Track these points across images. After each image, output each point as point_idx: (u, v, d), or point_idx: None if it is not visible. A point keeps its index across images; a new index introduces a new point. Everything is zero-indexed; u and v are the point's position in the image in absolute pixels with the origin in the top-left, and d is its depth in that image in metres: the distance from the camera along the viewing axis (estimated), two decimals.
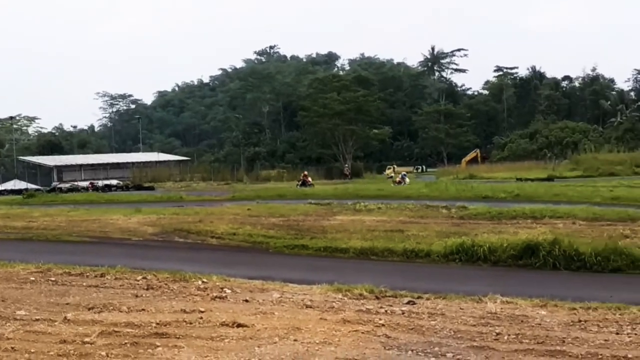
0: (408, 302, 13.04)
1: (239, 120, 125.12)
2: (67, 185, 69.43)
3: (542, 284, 15.95)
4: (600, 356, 9.80)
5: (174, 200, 44.29)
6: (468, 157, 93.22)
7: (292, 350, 9.82)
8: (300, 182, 59.02)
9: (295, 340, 10.34)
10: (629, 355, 9.73)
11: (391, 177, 66.62)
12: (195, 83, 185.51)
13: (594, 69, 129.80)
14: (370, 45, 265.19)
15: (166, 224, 28.92)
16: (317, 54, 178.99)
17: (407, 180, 56.74)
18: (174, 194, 49.98)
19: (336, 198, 39.53)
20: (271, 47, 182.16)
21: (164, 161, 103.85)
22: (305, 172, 62.87)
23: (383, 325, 11.31)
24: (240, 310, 12.28)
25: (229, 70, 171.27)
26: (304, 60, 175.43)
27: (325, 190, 47.62)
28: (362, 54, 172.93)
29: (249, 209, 33.28)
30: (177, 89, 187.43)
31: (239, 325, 11.14)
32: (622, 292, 14.39)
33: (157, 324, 11.23)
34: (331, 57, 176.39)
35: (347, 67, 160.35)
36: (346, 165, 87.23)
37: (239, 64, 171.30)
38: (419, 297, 13.49)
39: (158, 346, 9.96)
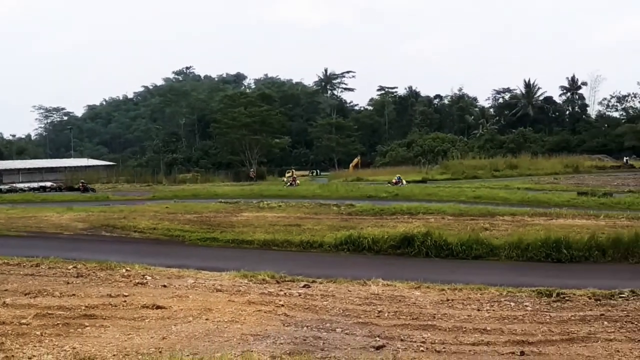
0: (304, 286, 13.39)
1: (159, 131, 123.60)
2: (6, 187, 66.92)
3: (416, 270, 16.39)
4: (464, 329, 10.33)
5: (101, 200, 43.12)
6: (353, 163, 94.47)
7: (204, 328, 10.05)
8: (289, 183, 57.56)
9: (207, 319, 10.61)
10: (488, 328, 10.31)
11: (285, 180, 66.22)
12: (121, 98, 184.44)
13: (460, 89, 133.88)
14: (273, 67, 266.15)
15: (94, 220, 28.23)
16: (227, 74, 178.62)
17: (404, 182, 54.38)
18: (101, 194, 48.77)
19: (243, 197, 39.67)
20: (187, 68, 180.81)
21: (93, 166, 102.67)
22: (293, 170, 60.84)
23: (282, 305, 11.64)
24: (159, 294, 12.45)
25: (150, 87, 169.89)
26: (216, 79, 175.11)
27: (234, 190, 47.37)
28: (266, 75, 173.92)
29: (167, 207, 32.82)
30: (104, 103, 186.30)
31: (158, 307, 11.35)
32: (482, 275, 14.84)
33: (86, 307, 11.31)
34: (239, 77, 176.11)
35: (253, 86, 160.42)
36: (252, 169, 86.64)
37: (159, 82, 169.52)
38: (313, 281, 13.87)
39: (87, 326, 10.10)
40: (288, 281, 13.97)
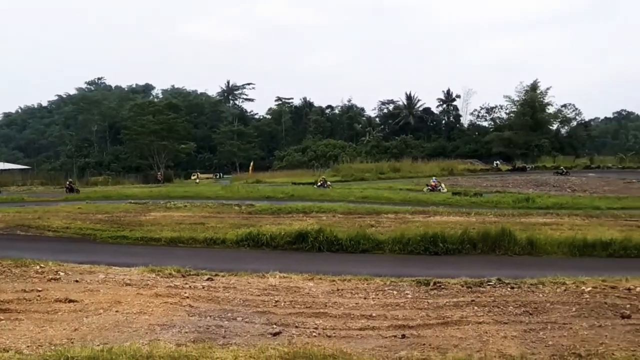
0: (207, 279, 13.24)
1: (72, 137, 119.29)
2: None
3: (310, 263, 16.52)
4: (352, 316, 10.46)
5: (16, 201, 41.07)
6: (251, 167, 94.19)
7: (114, 320, 9.84)
8: (319, 184, 55.29)
9: (116, 311, 10.38)
10: (373, 314, 10.46)
11: (197, 181, 64.63)
12: (36, 106, 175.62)
13: (349, 100, 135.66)
14: (179, 79, 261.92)
15: (10, 220, 26.93)
16: (136, 84, 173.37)
17: (443, 188, 46.57)
18: (16, 196, 46.46)
19: (151, 198, 38.65)
20: (99, 78, 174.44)
21: (8, 169, 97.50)
22: (324, 177, 58.51)
23: (187, 297, 11.49)
24: (71, 289, 12.09)
25: (64, 96, 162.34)
26: (126, 89, 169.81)
27: (143, 192, 46.10)
28: (173, 85, 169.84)
29: (79, 208, 31.62)
30: (20, 110, 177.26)
31: (71, 301, 11.03)
32: (369, 267, 15.05)
33: (1, 301, 10.86)
34: (148, 88, 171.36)
35: (161, 96, 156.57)
36: (159, 172, 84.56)
37: (73, 92, 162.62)
38: (216, 275, 13.71)
39: (1, 320, 9.71)
40: (193, 275, 13.77)
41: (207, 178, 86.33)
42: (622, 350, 8.26)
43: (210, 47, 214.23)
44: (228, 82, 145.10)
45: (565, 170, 67.80)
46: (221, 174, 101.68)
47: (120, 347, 7.93)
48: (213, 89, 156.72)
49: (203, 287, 12.46)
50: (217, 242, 20.97)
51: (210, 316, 10.20)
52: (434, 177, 52.48)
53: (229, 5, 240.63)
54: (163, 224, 25.07)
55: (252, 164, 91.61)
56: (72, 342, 8.51)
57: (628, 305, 10.74)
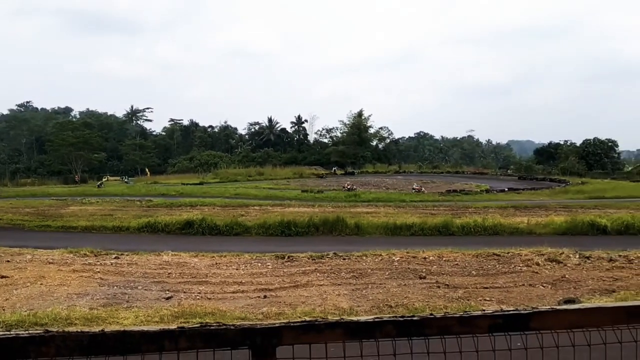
0: (115, 257, 12.82)
1: (4, 147, 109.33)
2: None
3: (195, 243, 16.11)
4: (227, 282, 10.39)
5: None
6: (148, 171, 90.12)
7: (39, 291, 9.49)
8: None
9: (41, 284, 9.97)
10: (243, 281, 10.44)
11: (101, 183, 60.64)
12: None
13: (225, 121, 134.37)
14: (93, 103, 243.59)
15: None
16: (58, 107, 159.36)
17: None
18: None
19: (70, 196, 36.55)
20: (27, 102, 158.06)
21: None
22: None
23: (99, 272, 11.16)
24: (3, 267, 11.49)
25: None
26: (50, 110, 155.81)
27: (63, 191, 42.84)
28: (88, 108, 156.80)
29: (10, 203, 28.88)
30: None
31: (2, 277, 10.50)
32: (240, 246, 15.04)
33: None
34: (68, 110, 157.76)
35: (78, 116, 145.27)
36: (77, 175, 79.42)
37: (5, 112, 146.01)
38: (121, 254, 13.23)
39: None
40: (103, 255, 13.24)
41: (116, 180, 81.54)
42: (419, 302, 8.77)
43: (118, 79, 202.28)
44: (132, 107, 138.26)
45: (354, 172, 73.53)
46: (127, 177, 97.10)
47: (44, 312, 7.61)
48: (120, 112, 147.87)
49: (111, 264, 12.09)
50: (122, 229, 20.06)
51: (117, 286, 9.95)
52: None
53: (133, 46, 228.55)
54: (79, 216, 23.63)
55: (147, 169, 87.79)
56: (3, 310, 8.12)
57: (424, 270, 11.43)
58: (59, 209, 26.56)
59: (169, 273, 11.15)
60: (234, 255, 13.07)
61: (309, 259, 12.66)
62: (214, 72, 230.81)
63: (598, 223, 18.82)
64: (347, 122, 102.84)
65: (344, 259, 12.55)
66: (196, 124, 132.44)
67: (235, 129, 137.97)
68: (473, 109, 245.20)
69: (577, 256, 12.31)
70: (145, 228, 19.72)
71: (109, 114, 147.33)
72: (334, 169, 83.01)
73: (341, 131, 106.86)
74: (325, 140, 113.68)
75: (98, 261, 12.39)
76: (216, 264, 12.22)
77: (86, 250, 13.58)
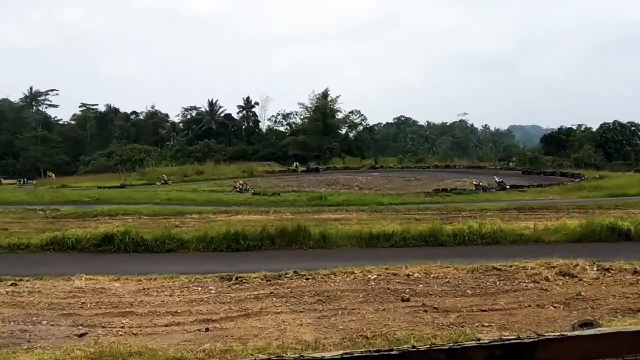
0: (11, 284, 12.58)
1: None
2: None
3: (116, 264, 15.85)
4: (158, 313, 10.30)
5: None
6: (53, 175, 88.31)
7: None
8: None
9: None
10: (178, 311, 10.36)
11: None
12: None
13: (153, 106, 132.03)
14: None
15: None
16: None
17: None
18: None
19: None
20: None
21: None
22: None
23: None
24: None
25: None
26: None
27: None
28: None
29: None
30: None
31: None
32: (174, 265, 14.93)
33: None
34: None
35: None
36: None
37: None
38: (20, 280, 12.95)
39: None
40: None
41: (11, 184, 79.41)
42: (402, 330, 8.87)
43: (11, 53, 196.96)
44: (31, 89, 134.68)
45: (319, 168, 75.10)
46: (25, 180, 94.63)
47: None
48: (15, 95, 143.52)
49: (7, 293, 11.81)
50: (20, 247, 19.42)
51: (14, 321, 9.75)
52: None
53: (29, 7, 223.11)
54: None
55: (50, 173, 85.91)
56: None
57: (407, 290, 11.56)
58: None
59: (83, 303, 11.00)
60: (167, 278, 13.01)
61: (262, 280, 12.64)
62: (139, 43, 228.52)
63: (620, 227, 19.35)
64: (309, 105, 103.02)
65: (307, 279, 12.58)
66: (115, 110, 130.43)
67: (167, 115, 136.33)
68: (466, 87, 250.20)
69: (595, 268, 12.66)
70: (51, 245, 19.24)
71: (1, 97, 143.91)
72: (295, 164, 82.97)
73: (302, 117, 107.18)
74: (282, 129, 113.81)
75: None
76: (144, 289, 12.13)
77: None
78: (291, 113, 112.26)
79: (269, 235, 19.24)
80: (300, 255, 17.87)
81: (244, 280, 12.56)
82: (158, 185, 56.12)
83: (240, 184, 48.05)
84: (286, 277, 12.75)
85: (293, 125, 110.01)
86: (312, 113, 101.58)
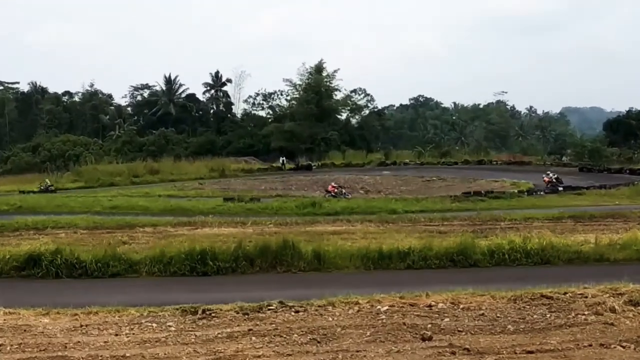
0: None
1: None
2: None
3: (45, 293, 15.82)
4: (101, 357, 10.28)
5: None
6: None
7: None
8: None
9: None
10: (127, 354, 10.33)
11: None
12: None
13: (92, 85, 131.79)
14: None
15: None
16: None
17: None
18: None
19: None
20: None
21: None
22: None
23: None
24: None
25: None
26: None
27: None
28: None
29: None
30: None
31: None
32: (121, 295, 14.79)
33: None
34: None
35: None
36: None
37: None
38: None
39: None
40: None
41: None
42: None
43: None
44: None
45: (312, 164, 76.06)
46: None
47: None
48: None
49: None
50: None
51: None
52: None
53: None
54: None
55: None
56: None
57: (429, 325, 11.52)
58: None
59: (0, 345, 10.91)
60: (111, 311, 12.96)
61: (237, 313, 12.61)
62: (71, 6, 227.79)
63: None
64: (299, 83, 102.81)
65: (297, 312, 12.55)
66: (42, 90, 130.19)
67: (110, 97, 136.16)
68: (505, 58, 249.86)
69: None
70: None
71: None
72: (281, 160, 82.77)
73: (288, 97, 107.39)
74: (262, 114, 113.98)
75: None
76: (81, 326, 12.05)
77: None
78: (274, 93, 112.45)
79: (246, 255, 19.22)
80: (287, 280, 17.87)
81: (213, 314, 12.53)
82: (38, 189, 56.01)
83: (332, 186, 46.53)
84: (269, 310, 12.71)
85: (277, 109, 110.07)
86: (302, 92, 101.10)
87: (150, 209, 35.87)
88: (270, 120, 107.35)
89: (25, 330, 11.75)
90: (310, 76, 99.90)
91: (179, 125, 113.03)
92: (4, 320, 12.46)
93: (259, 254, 19.29)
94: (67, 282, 17.98)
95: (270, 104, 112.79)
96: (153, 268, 18.73)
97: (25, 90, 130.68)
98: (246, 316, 12.42)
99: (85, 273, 18.58)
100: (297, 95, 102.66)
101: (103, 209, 36.24)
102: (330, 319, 12.09)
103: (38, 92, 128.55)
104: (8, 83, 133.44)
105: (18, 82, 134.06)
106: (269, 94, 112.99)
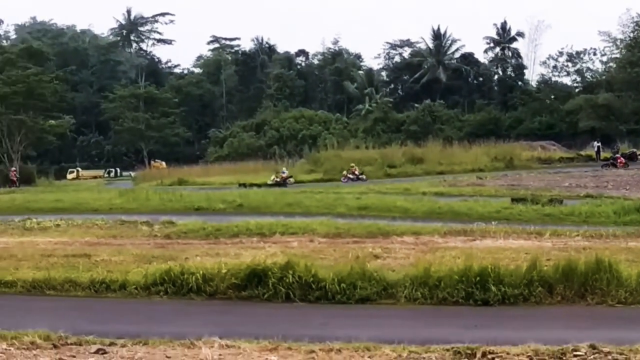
0: (97, 351, 13.12)
1: None
2: None
3: (272, 321, 16.47)
4: None
5: None
6: (158, 165, 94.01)
7: None
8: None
9: None
10: None
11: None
12: None
13: (335, 42, 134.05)
14: (44, 6, 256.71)
15: None
16: None
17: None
18: None
19: (0, 213, 38.59)
20: None
21: None
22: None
23: None
24: None
25: None
26: None
27: None
28: (34, 18, 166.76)
29: None
30: None
31: None
32: (372, 327, 15.10)
33: None
34: None
35: (13, 36, 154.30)
36: (13, 168, 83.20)
37: None
38: (111, 344, 13.62)
39: None
40: (72, 344, 13.68)
41: (95, 177, 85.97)
42: None
43: None
44: (129, 13, 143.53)
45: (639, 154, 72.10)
46: (118, 170, 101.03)
47: None
48: (103, 24, 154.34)
49: None
50: (111, 286, 20.66)
51: None
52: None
53: None
54: (19, 257, 24.88)
55: (156, 162, 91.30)
56: None
57: None
58: None
59: None
60: (359, 350, 13.17)
61: (530, 359, 12.48)
62: None
63: None
64: (620, 37, 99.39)
65: None
66: (269, 49, 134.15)
67: (359, 57, 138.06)
68: None
69: None
70: (162, 285, 20.14)
71: (78, 29, 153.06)
72: (595, 147, 79.83)
73: (605, 59, 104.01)
74: (567, 81, 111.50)
75: (61, 359, 12.75)
76: None
77: (35, 334, 13.98)
78: (584, 52, 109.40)
79: (543, 278, 18.97)
80: (601, 315, 17.47)
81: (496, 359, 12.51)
82: (273, 181, 57.59)
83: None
84: (576, 357, 12.52)
85: (587, 75, 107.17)
86: (624, 51, 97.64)
87: (412, 212, 36.20)
88: (577, 90, 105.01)
89: None
90: (637, 27, 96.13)
91: (450, 96, 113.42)
92: (220, 355, 12.96)
93: (560, 277, 18.98)
94: (300, 308, 18.54)
95: (578, 67, 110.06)
96: (415, 292, 18.86)
97: (248, 49, 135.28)
98: None
99: (325, 296, 18.99)
100: (618, 55, 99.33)
101: (348, 210, 36.97)
102: None
103: (264, 52, 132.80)
104: (226, 39, 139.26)
105: (239, 39, 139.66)
106: (576, 53, 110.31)
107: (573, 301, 18.49)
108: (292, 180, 59.58)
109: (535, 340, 13.26)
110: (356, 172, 61.97)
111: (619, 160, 69.42)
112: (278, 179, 58.95)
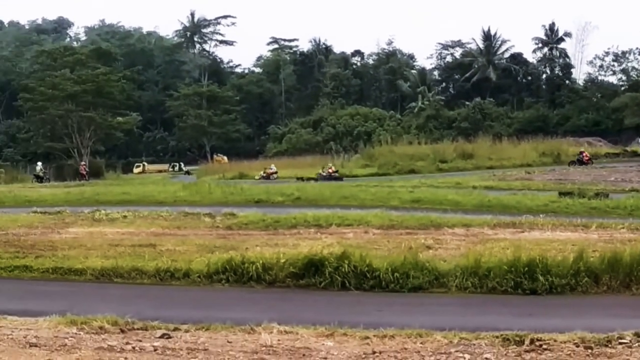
0: (162, 336, 13.23)
1: None
2: None
3: (328, 308, 16.51)
4: None
5: None
6: (221, 159, 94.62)
7: None
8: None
9: None
10: None
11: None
12: None
13: (390, 42, 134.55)
14: (112, 9, 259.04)
15: None
16: (43, 19, 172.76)
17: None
18: None
19: (69, 205, 38.71)
20: None
21: None
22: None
23: None
24: None
25: None
26: (27, 27, 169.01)
27: (56, 194, 45.91)
28: (103, 21, 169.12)
29: None
30: None
31: None
32: (424, 315, 15.16)
33: None
34: (62, 24, 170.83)
35: (83, 37, 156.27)
36: (82, 162, 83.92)
37: None
38: (175, 329, 13.71)
39: None
40: (138, 329, 13.78)
41: (160, 171, 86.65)
42: None
43: None
44: (192, 15, 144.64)
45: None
46: (182, 165, 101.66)
47: None
48: (168, 27, 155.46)
49: (155, 350, 12.36)
50: (175, 274, 20.88)
51: None
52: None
53: None
54: (89, 247, 25.05)
55: (218, 157, 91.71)
56: None
57: None
58: (49, 233, 28.43)
59: None
60: (412, 336, 13.09)
61: (577, 346, 12.34)
62: None
63: None
64: None
65: None
66: (326, 49, 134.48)
67: (411, 57, 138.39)
68: None
69: None
70: (223, 273, 20.29)
71: (144, 31, 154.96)
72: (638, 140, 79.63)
73: None
74: (613, 80, 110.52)
75: (128, 343, 12.78)
76: (374, 353, 12.20)
77: (104, 320, 14.04)
78: (630, 52, 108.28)
79: (589, 269, 18.84)
80: None
81: (544, 346, 12.38)
82: (317, 175, 57.60)
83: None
84: (621, 344, 12.38)
85: (633, 74, 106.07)
86: None
87: (462, 204, 36.09)
88: (623, 88, 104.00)
89: (304, 355, 12.08)
90: None
91: (499, 94, 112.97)
92: (279, 340, 12.92)
93: (606, 268, 18.84)
94: (355, 296, 18.55)
95: (624, 66, 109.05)
96: (465, 282, 18.84)
97: (306, 49, 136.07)
98: (589, 351, 12.17)
99: (379, 285, 19.05)
100: None
101: (401, 202, 36.90)
102: None
103: (321, 52, 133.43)
104: (285, 40, 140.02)
105: (297, 40, 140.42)
106: (622, 53, 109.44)
107: (618, 291, 18.35)
108: (276, 176, 60.43)
109: (581, 328, 13.14)
110: (330, 171, 61.58)
111: None
112: (324, 173, 59.41)
